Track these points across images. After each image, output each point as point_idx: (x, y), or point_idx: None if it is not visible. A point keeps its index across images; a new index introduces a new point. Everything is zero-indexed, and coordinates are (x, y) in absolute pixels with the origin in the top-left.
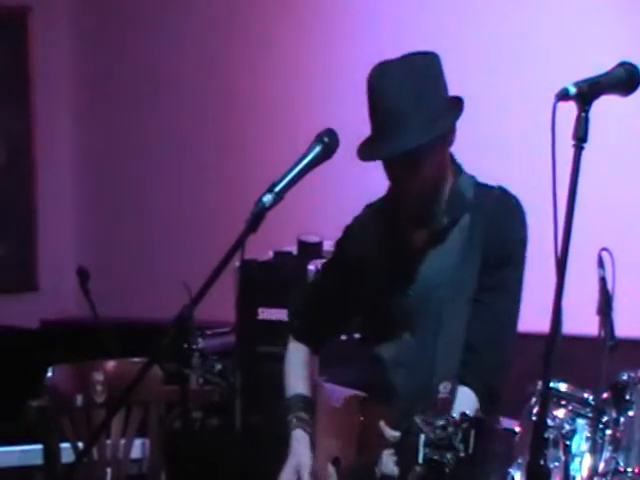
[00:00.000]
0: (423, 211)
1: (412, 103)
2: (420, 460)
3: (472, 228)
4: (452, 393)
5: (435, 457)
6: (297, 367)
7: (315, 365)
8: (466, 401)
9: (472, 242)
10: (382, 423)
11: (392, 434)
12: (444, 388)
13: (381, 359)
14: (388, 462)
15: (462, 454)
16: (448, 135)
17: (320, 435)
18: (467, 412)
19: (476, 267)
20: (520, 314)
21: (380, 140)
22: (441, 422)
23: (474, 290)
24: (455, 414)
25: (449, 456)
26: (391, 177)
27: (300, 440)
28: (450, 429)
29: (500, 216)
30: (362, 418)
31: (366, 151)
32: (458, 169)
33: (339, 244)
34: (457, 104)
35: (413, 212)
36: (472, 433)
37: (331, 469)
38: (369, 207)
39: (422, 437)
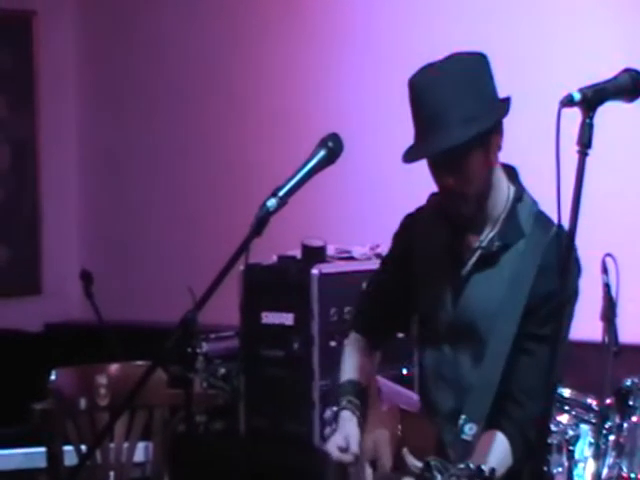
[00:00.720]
0: (471, 221)
1: (452, 102)
2: None
3: (524, 258)
4: (475, 437)
5: None
6: (352, 356)
7: (375, 362)
8: (501, 450)
9: (522, 273)
10: (405, 450)
11: (414, 464)
12: (469, 430)
13: (423, 367)
14: None
15: None
16: (492, 135)
17: (366, 431)
18: (483, 467)
19: (522, 301)
20: None
21: (420, 141)
22: (456, 470)
23: (518, 326)
24: (472, 464)
25: None
26: (437, 182)
27: (348, 419)
28: None
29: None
30: (400, 431)
31: (407, 153)
32: (519, 191)
33: (399, 235)
34: (503, 104)
35: (462, 220)
36: None
37: (369, 470)
38: (435, 196)
39: (438, 478)
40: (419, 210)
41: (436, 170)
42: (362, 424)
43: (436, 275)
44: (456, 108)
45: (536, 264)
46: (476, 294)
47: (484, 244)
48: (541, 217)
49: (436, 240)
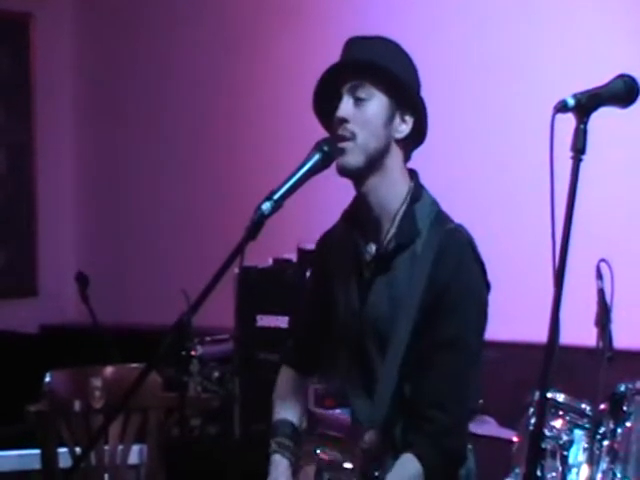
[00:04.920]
0: (354, 176)
1: (381, 55)
2: None
3: (420, 257)
4: (375, 444)
5: None
6: (284, 392)
7: (307, 391)
8: (402, 470)
9: (417, 272)
10: None
11: None
12: (368, 437)
13: (347, 383)
14: None
15: None
16: (399, 116)
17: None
18: None
19: (418, 298)
20: (519, 323)
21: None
22: None
23: (418, 336)
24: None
25: None
26: (337, 111)
27: (277, 465)
28: None
29: (449, 263)
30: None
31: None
32: (418, 190)
33: (315, 256)
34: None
35: (344, 172)
36: None
37: None
38: (347, 211)
39: None
40: (332, 228)
41: (343, 85)
42: (295, 463)
43: (345, 284)
44: (383, 57)
45: (430, 259)
46: (377, 298)
47: (383, 244)
48: (440, 216)
49: (346, 252)
